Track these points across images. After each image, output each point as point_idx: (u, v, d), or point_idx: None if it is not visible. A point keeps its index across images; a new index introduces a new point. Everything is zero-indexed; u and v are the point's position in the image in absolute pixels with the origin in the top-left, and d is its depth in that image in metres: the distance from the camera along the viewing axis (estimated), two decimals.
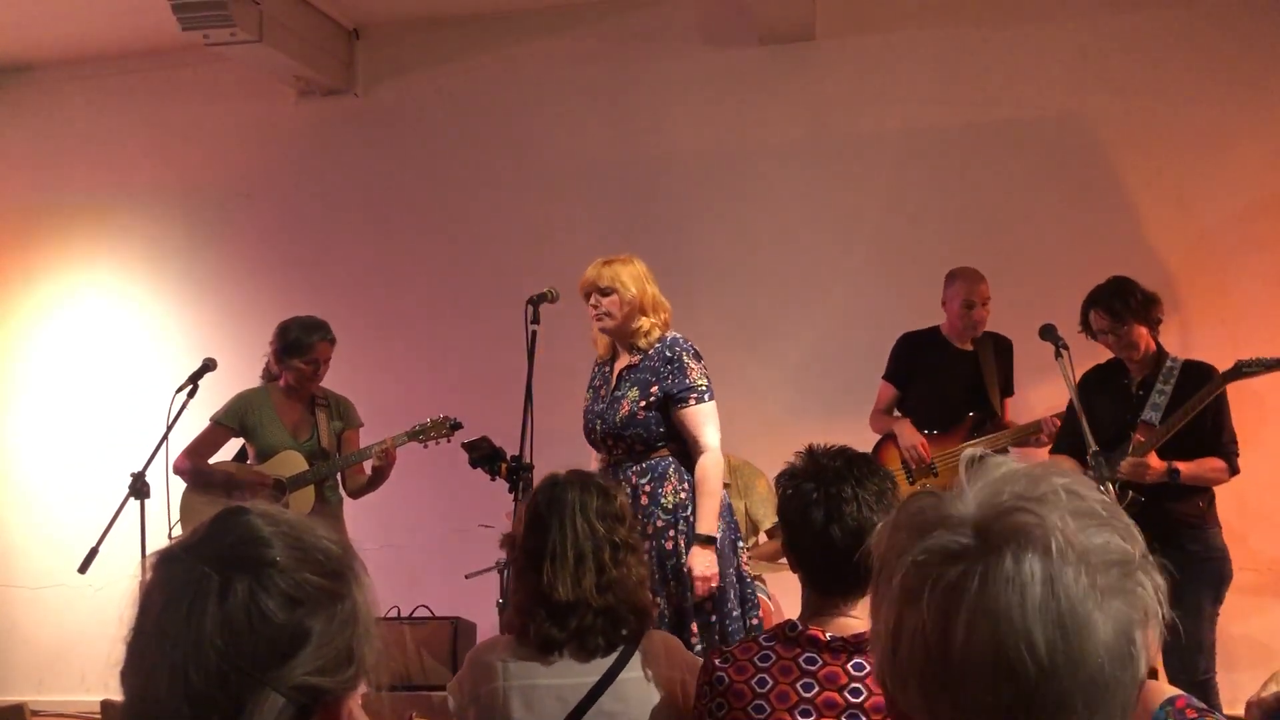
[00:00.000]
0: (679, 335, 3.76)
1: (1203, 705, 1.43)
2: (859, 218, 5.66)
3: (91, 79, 6.42)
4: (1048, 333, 4.04)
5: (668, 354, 3.70)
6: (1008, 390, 4.84)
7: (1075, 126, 5.48)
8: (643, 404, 3.66)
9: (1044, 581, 0.83)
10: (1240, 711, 1.66)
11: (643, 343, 3.73)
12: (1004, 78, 5.56)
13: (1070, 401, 4.34)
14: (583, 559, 2.31)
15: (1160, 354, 4.17)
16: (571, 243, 5.54)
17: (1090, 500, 0.88)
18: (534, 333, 3.79)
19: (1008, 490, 0.88)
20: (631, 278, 3.74)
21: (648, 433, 3.67)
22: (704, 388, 3.68)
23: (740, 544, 3.77)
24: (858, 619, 2.10)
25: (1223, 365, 4.16)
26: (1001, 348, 4.82)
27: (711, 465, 3.64)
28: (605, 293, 3.72)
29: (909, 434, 4.71)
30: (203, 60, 5.92)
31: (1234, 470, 4.12)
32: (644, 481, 3.65)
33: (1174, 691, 1.44)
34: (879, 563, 0.93)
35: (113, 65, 6.35)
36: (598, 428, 3.76)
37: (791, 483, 2.15)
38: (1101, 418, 4.00)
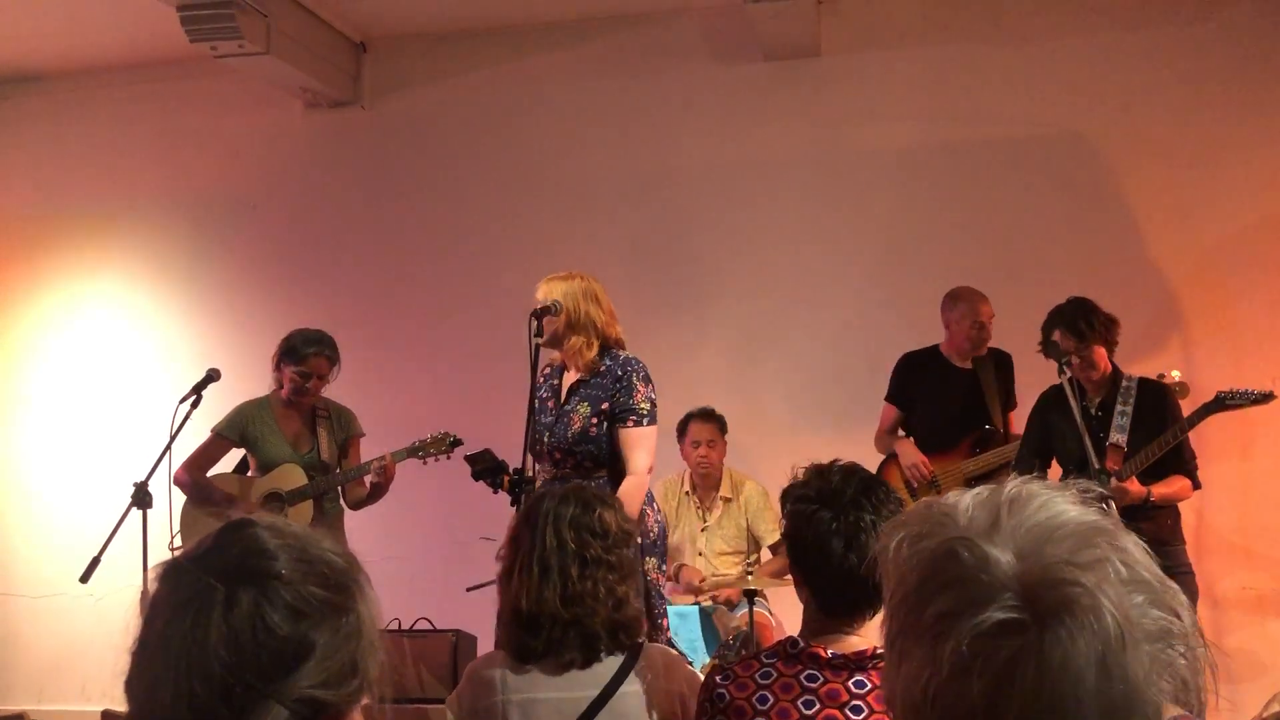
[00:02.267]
0: (634, 356, 3.83)
1: None
2: (863, 232, 5.67)
3: (99, 90, 6.45)
4: (1051, 349, 4.06)
5: (619, 372, 3.76)
6: (1009, 404, 4.87)
7: (1078, 143, 5.50)
8: (594, 420, 3.73)
9: (1099, 664, 0.82)
10: None
11: (579, 360, 3.77)
12: (1007, 94, 5.57)
13: (1029, 421, 4.37)
14: (548, 571, 2.31)
15: (1116, 373, 4.21)
16: (577, 256, 5.54)
17: (1139, 567, 0.87)
18: (537, 346, 3.79)
19: (1051, 551, 0.85)
20: (564, 294, 3.77)
21: (598, 450, 3.73)
22: (645, 411, 3.73)
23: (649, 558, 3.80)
24: (861, 637, 2.09)
25: (1224, 383, 4.17)
26: (1001, 362, 4.85)
27: (633, 489, 3.65)
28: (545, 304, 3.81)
29: (910, 452, 4.75)
30: (210, 72, 5.94)
31: (1196, 485, 4.21)
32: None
33: (1177, 711, 1.44)
34: (904, 605, 0.90)
35: (120, 76, 6.39)
36: (545, 439, 3.78)
37: (804, 506, 2.12)
38: (1064, 440, 4.03)
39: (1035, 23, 5.60)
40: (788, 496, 2.20)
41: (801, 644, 2.07)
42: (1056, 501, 0.90)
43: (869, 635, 2.09)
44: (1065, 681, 0.82)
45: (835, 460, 2.22)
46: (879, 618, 2.07)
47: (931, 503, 0.94)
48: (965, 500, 0.92)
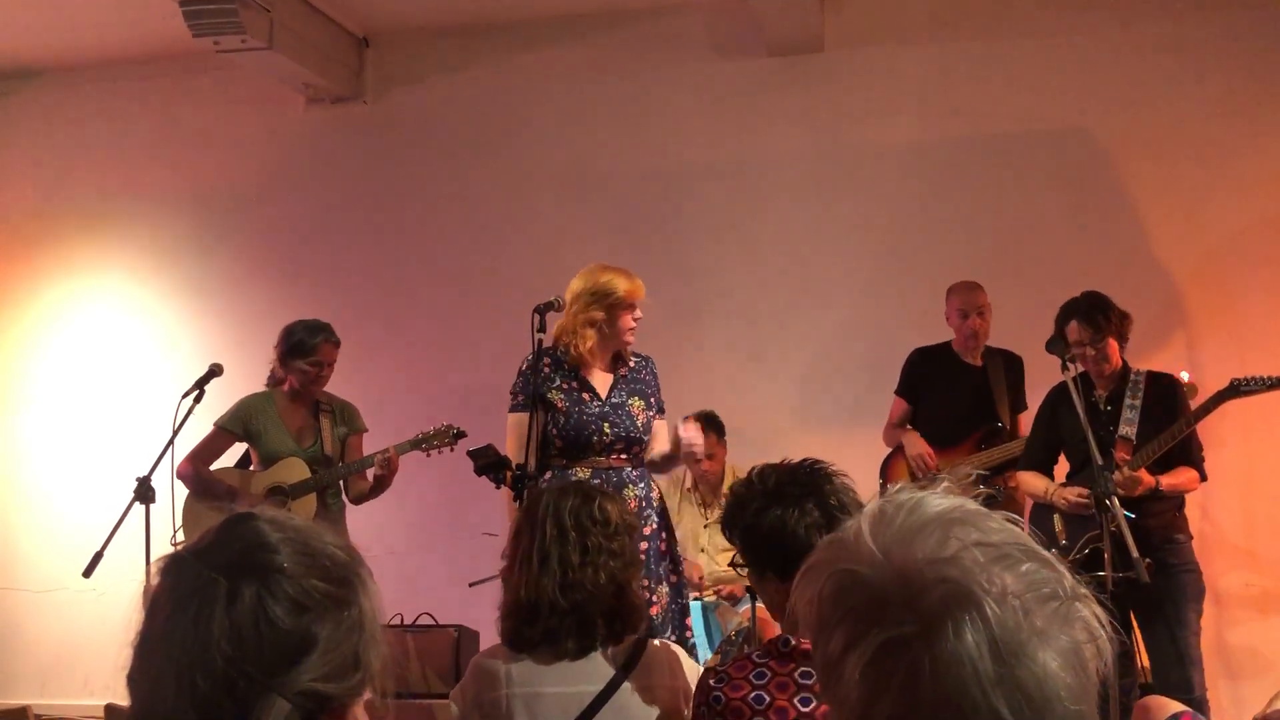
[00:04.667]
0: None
1: None
2: (866, 228, 5.67)
3: (102, 85, 6.45)
4: (1055, 345, 4.05)
5: (653, 369, 4.00)
6: (1020, 406, 4.86)
7: (1083, 140, 5.49)
8: (651, 413, 3.88)
9: (990, 648, 0.83)
10: None
11: (627, 352, 3.92)
12: (1012, 90, 5.57)
13: (1037, 414, 4.37)
14: (546, 560, 2.32)
15: (1125, 368, 4.21)
16: (579, 251, 5.53)
17: (1002, 543, 0.88)
18: (539, 341, 3.78)
19: (918, 554, 0.87)
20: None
21: (649, 439, 3.88)
22: None
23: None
24: None
25: (1229, 379, 4.16)
26: (1012, 364, 4.85)
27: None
28: (639, 305, 3.89)
29: (915, 443, 4.76)
30: (213, 67, 5.94)
31: (1204, 477, 4.19)
32: (641, 485, 3.81)
33: (1179, 708, 1.43)
34: (817, 650, 0.92)
35: (123, 71, 6.38)
36: (606, 430, 3.78)
37: (766, 516, 2.08)
38: (1074, 434, 4.02)
39: (1039, 18, 5.58)
40: (735, 523, 2.15)
41: (793, 641, 2.07)
42: (921, 502, 0.92)
43: None
44: (964, 678, 0.83)
45: (752, 468, 2.22)
46: None
47: (828, 540, 0.96)
48: (851, 525, 0.93)
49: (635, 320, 3.86)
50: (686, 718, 2.30)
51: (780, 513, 2.08)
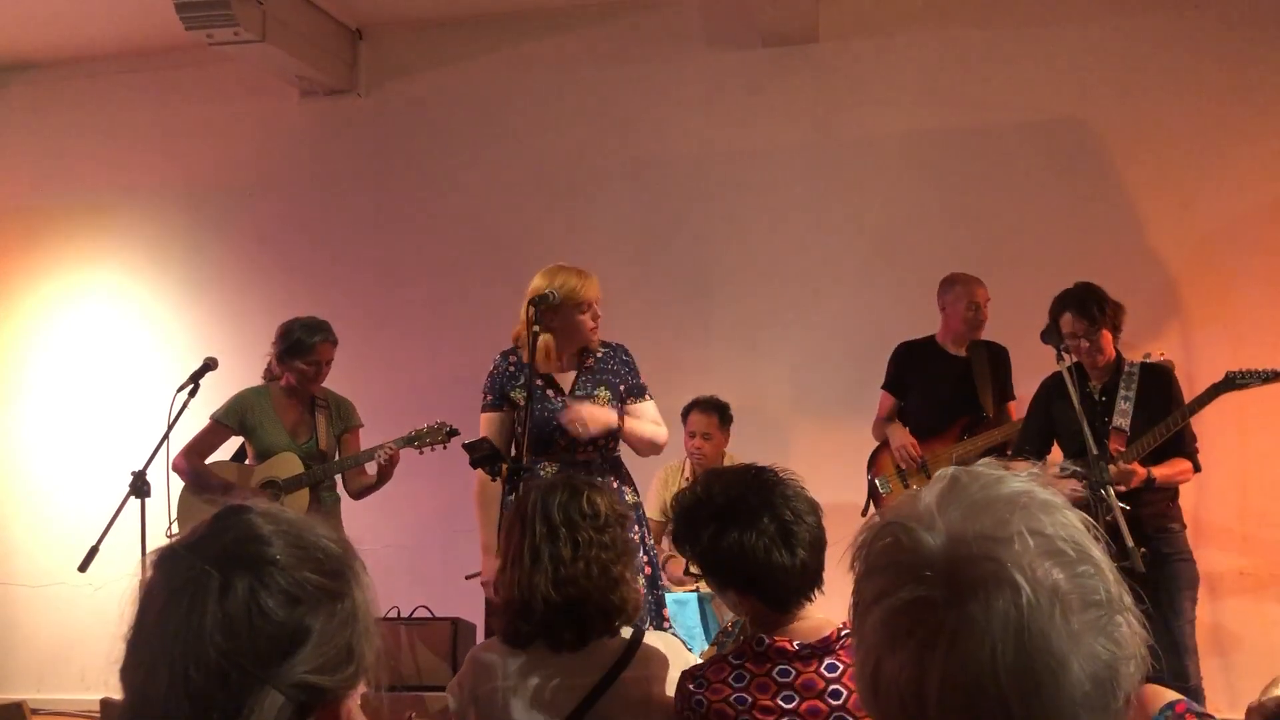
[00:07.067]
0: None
1: (1203, 710, 1.42)
2: (861, 219, 5.67)
3: (95, 78, 6.43)
4: (1049, 335, 4.06)
5: (624, 357, 3.91)
6: (1008, 395, 4.89)
7: (1078, 129, 5.49)
8: (618, 403, 3.82)
9: (1015, 636, 0.82)
10: (1240, 716, 1.66)
11: (593, 347, 3.86)
12: (1007, 81, 5.56)
13: (1032, 404, 4.38)
14: (538, 558, 2.31)
15: (1119, 360, 4.21)
16: (573, 243, 5.55)
17: (1055, 538, 0.87)
18: (535, 334, 3.77)
19: (972, 530, 0.86)
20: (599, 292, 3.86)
21: (624, 424, 3.82)
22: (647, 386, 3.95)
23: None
24: (812, 620, 2.09)
25: (1223, 368, 4.16)
26: (997, 355, 4.89)
27: (662, 433, 3.88)
28: (596, 304, 3.83)
29: (899, 435, 4.81)
30: (206, 60, 5.93)
31: (1197, 467, 4.19)
32: (610, 479, 3.78)
33: (1174, 696, 1.43)
34: (855, 594, 0.93)
35: (116, 65, 6.37)
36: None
37: (726, 539, 2.06)
38: (1067, 424, 4.03)
39: (1033, 8, 5.58)
40: (690, 542, 2.13)
41: (767, 640, 2.06)
42: (998, 480, 0.91)
43: (818, 617, 2.10)
44: (980, 658, 0.82)
45: (694, 484, 2.21)
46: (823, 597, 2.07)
47: (906, 493, 0.95)
48: (927, 486, 0.93)
49: (595, 319, 3.80)
50: None
51: (738, 535, 2.05)
